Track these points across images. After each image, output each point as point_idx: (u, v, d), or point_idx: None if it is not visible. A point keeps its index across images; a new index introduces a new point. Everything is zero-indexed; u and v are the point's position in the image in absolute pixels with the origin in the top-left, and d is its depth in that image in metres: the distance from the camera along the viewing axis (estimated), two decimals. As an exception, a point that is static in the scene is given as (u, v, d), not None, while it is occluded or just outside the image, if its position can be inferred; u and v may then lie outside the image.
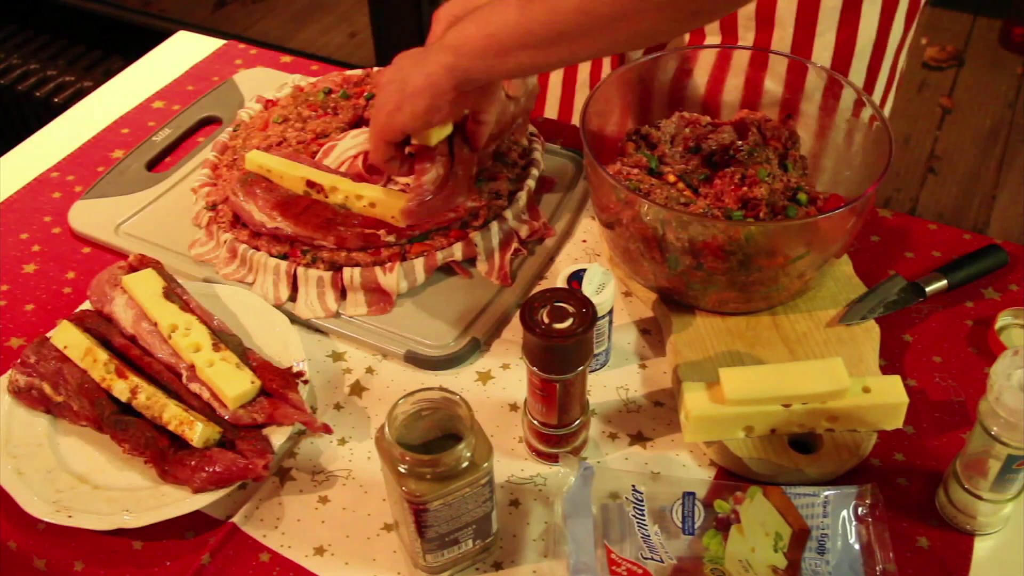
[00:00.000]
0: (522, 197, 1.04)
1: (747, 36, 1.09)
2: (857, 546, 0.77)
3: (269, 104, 1.20)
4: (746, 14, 1.08)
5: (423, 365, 0.94)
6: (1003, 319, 0.93)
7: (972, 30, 3.08)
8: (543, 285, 1.02)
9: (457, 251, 0.99)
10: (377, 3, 2.50)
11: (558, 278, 0.89)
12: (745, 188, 0.94)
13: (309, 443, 0.88)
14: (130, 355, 0.90)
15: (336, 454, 0.87)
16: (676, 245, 0.87)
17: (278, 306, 0.97)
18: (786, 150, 1.00)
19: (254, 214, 1.00)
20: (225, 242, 1.02)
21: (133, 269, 0.96)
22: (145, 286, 0.93)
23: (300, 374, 0.90)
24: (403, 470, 0.70)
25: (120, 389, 0.86)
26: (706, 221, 0.88)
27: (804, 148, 1.03)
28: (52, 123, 1.28)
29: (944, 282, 0.96)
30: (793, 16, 1.06)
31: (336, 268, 0.98)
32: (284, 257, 0.99)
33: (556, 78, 1.26)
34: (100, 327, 0.92)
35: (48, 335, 0.91)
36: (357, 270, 0.97)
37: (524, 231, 1.03)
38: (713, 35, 1.11)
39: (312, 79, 1.23)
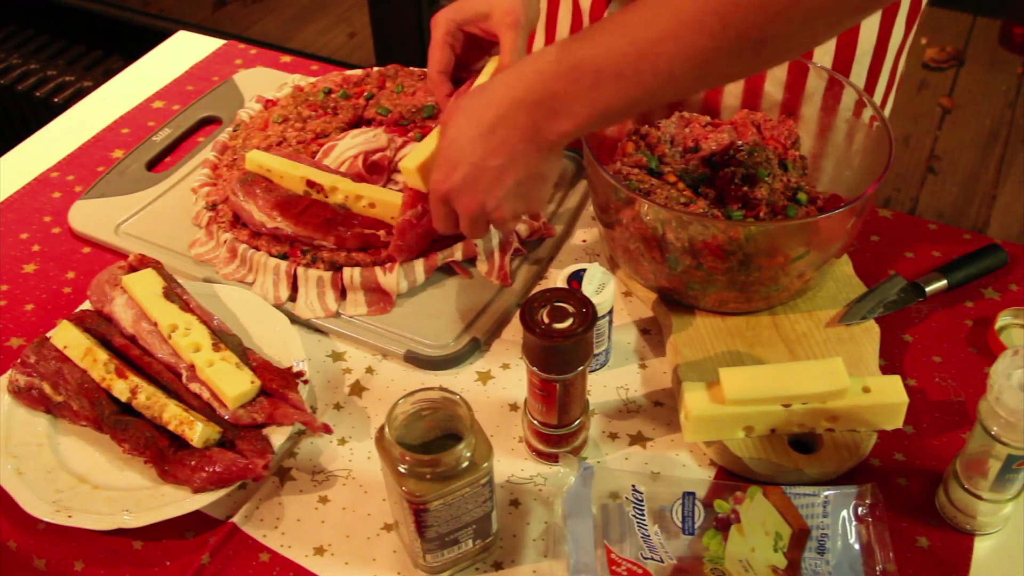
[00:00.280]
0: (522, 197, 1.04)
1: None
2: (857, 546, 0.77)
3: (269, 104, 1.20)
4: None
5: (423, 365, 0.94)
6: (1003, 319, 0.93)
7: (972, 30, 3.08)
8: (543, 285, 1.02)
9: (457, 251, 0.99)
10: (377, 3, 2.50)
11: (558, 278, 0.89)
12: (745, 188, 0.94)
13: (309, 443, 0.88)
14: (130, 355, 0.90)
15: (336, 454, 0.87)
16: (676, 245, 0.88)
17: (278, 306, 0.97)
18: (786, 150, 1.00)
19: (254, 214, 1.00)
20: (225, 242, 1.02)
21: (133, 269, 0.96)
22: (145, 286, 0.93)
23: (300, 374, 0.90)
24: (403, 470, 0.70)
25: (120, 389, 0.86)
26: (706, 221, 0.88)
27: (804, 148, 1.03)
28: (52, 123, 1.28)
29: (944, 282, 0.96)
30: None
31: (336, 268, 0.98)
32: (284, 257, 0.99)
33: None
34: (100, 327, 0.92)
35: (48, 335, 0.91)
36: (357, 270, 0.97)
37: (524, 231, 1.03)
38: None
39: (312, 79, 1.23)
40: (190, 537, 0.81)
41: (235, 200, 1.01)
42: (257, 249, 1.00)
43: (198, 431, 0.82)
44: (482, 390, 0.92)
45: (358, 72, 1.22)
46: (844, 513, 0.78)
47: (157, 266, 0.96)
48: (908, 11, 1.08)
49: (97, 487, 0.83)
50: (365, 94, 1.16)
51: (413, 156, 0.91)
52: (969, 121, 2.77)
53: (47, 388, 0.88)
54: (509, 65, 0.94)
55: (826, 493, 0.78)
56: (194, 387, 0.87)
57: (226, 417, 0.85)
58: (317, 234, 0.98)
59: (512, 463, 0.86)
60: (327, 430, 0.86)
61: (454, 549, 0.76)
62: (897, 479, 0.83)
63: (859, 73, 1.10)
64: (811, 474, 0.81)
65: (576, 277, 0.88)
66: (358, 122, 1.14)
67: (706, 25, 0.70)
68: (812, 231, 0.88)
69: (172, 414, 0.83)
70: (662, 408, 0.90)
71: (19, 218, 1.13)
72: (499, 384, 0.92)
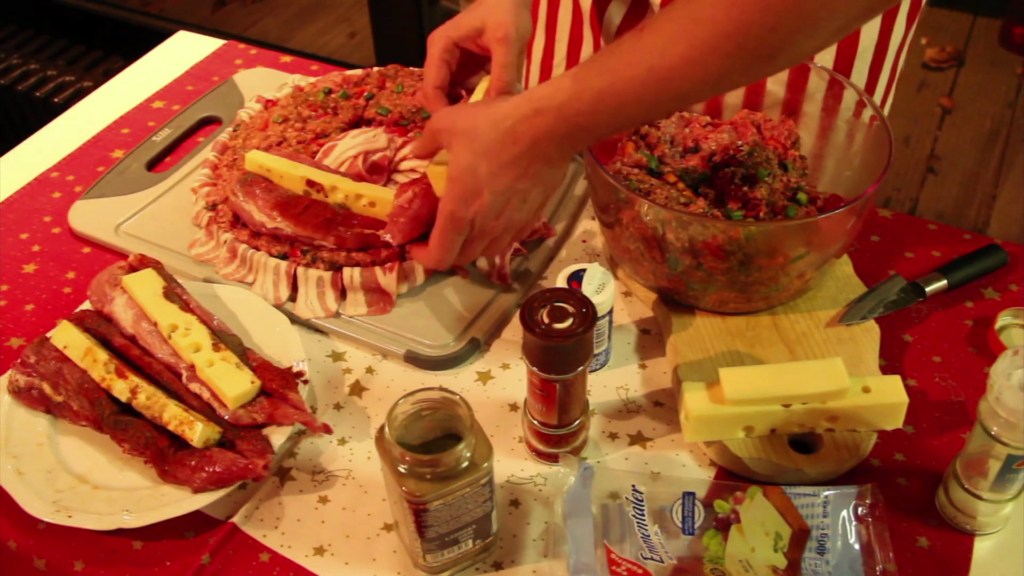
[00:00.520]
0: (522, 197, 1.04)
1: None
2: (857, 546, 0.77)
3: (269, 104, 1.20)
4: None
5: (423, 365, 0.94)
6: (1003, 319, 0.93)
7: (972, 30, 3.08)
8: (543, 285, 1.02)
9: (457, 251, 0.99)
10: (377, 3, 2.50)
11: (558, 278, 0.89)
12: (745, 188, 0.94)
13: (309, 443, 0.88)
14: (130, 355, 0.90)
15: (336, 454, 0.87)
16: (676, 245, 0.88)
17: (278, 306, 0.97)
18: (786, 150, 1.00)
19: (254, 214, 1.00)
20: (225, 242, 1.02)
21: (133, 269, 0.96)
22: (145, 286, 0.93)
23: (300, 374, 0.90)
24: (403, 470, 0.70)
25: (120, 389, 0.86)
26: (706, 221, 0.88)
27: (805, 148, 1.03)
28: (52, 123, 1.28)
29: (944, 282, 0.96)
30: None
31: (336, 268, 0.98)
32: (284, 257, 0.99)
33: (556, 78, 1.26)
34: (100, 327, 0.92)
35: (48, 335, 0.91)
36: (357, 270, 0.97)
37: (524, 231, 1.03)
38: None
39: (312, 79, 1.23)
40: (190, 537, 0.81)
41: (235, 200, 1.01)
42: (257, 249, 1.00)
43: (198, 431, 0.82)
44: (482, 390, 0.92)
45: (358, 72, 1.22)
46: (844, 513, 0.78)
47: (157, 266, 0.96)
48: (908, 9, 1.08)
49: (97, 487, 0.83)
50: (365, 94, 1.16)
51: (435, 163, 0.92)
52: (969, 121, 2.77)
53: (47, 388, 0.88)
54: (500, 79, 0.97)
55: (826, 493, 0.78)
56: (194, 387, 0.87)
57: (226, 417, 0.85)
58: (317, 234, 0.98)
59: (512, 463, 0.86)
60: (327, 430, 0.86)
61: (454, 549, 0.76)
62: (897, 479, 0.83)
63: (860, 70, 1.10)
64: (811, 474, 0.81)
65: (576, 277, 0.88)
66: (358, 122, 1.14)
67: (721, 47, 0.71)
68: (812, 231, 0.88)
69: (172, 414, 0.83)
70: (662, 408, 0.90)
71: (19, 218, 1.13)
72: (499, 384, 0.92)
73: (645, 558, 0.76)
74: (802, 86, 1.02)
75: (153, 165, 1.18)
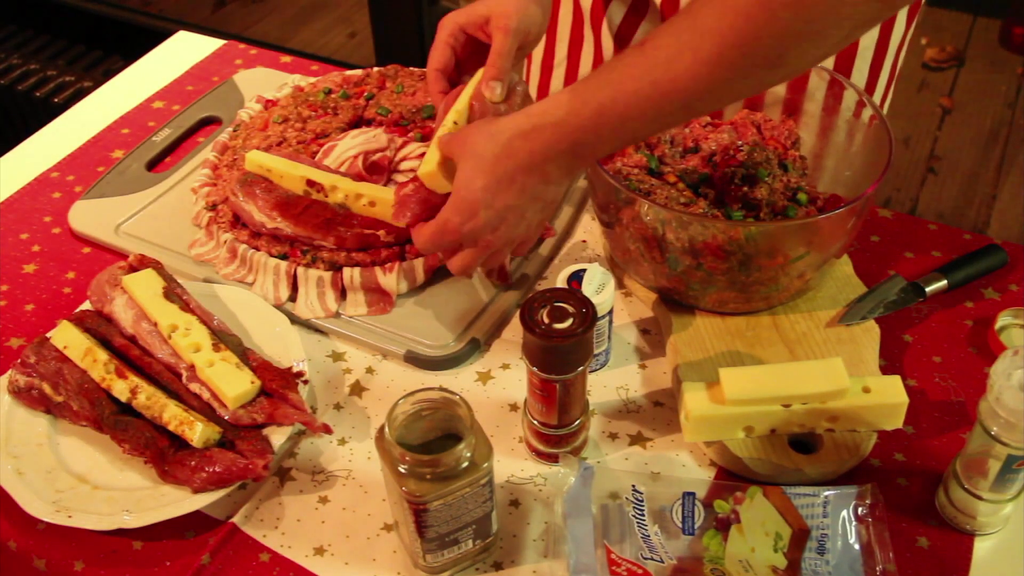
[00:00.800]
0: (522, 197, 1.04)
1: None
2: (857, 546, 0.77)
3: (269, 104, 1.20)
4: None
5: (423, 365, 0.94)
6: (1003, 319, 0.93)
7: (972, 30, 3.08)
8: (543, 285, 1.02)
9: (457, 251, 0.99)
10: (377, 3, 2.50)
11: (558, 278, 0.89)
12: (745, 188, 0.94)
13: (309, 443, 0.88)
14: (130, 355, 0.90)
15: (336, 454, 0.87)
16: (676, 245, 0.88)
17: (278, 306, 0.97)
18: (786, 150, 1.00)
19: (254, 214, 1.00)
20: (225, 242, 1.02)
21: (133, 269, 0.96)
22: (145, 286, 0.93)
23: (300, 374, 0.90)
24: (403, 470, 0.70)
25: (120, 389, 0.86)
26: (706, 221, 0.88)
27: (805, 148, 1.03)
28: (52, 123, 1.28)
29: (944, 282, 0.96)
30: None
31: (336, 268, 0.98)
32: (284, 257, 0.99)
33: (557, 80, 1.26)
34: (100, 327, 0.92)
35: (48, 335, 0.91)
36: (357, 270, 0.97)
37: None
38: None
39: (312, 79, 1.23)
40: (190, 537, 0.81)
41: (235, 200, 1.01)
42: (257, 249, 1.00)
43: (198, 431, 0.82)
44: (482, 390, 0.92)
45: (358, 72, 1.22)
46: (844, 513, 0.78)
47: (157, 266, 0.96)
48: (908, 8, 1.08)
49: (97, 487, 0.83)
50: (365, 94, 1.16)
51: (426, 161, 0.91)
52: (969, 121, 2.77)
53: (47, 388, 0.88)
54: (494, 66, 0.94)
55: (826, 493, 0.78)
56: (194, 387, 0.87)
57: (226, 417, 0.85)
58: (317, 234, 0.98)
59: (512, 463, 0.86)
60: (327, 430, 0.86)
61: (454, 549, 0.76)
62: (897, 479, 0.83)
63: (861, 68, 1.10)
64: (811, 474, 0.81)
65: (576, 277, 0.88)
66: (358, 122, 1.14)
67: (727, 58, 0.71)
68: (812, 231, 0.88)
69: (172, 414, 0.83)
70: (662, 408, 0.90)
71: (19, 218, 1.13)
72: (499, 384, 0.92)
73: (645, 558, 0.76)
74: (802, 86, 1.02)
75: (153, 165, 1.18)
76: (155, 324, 0.91)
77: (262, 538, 0.81)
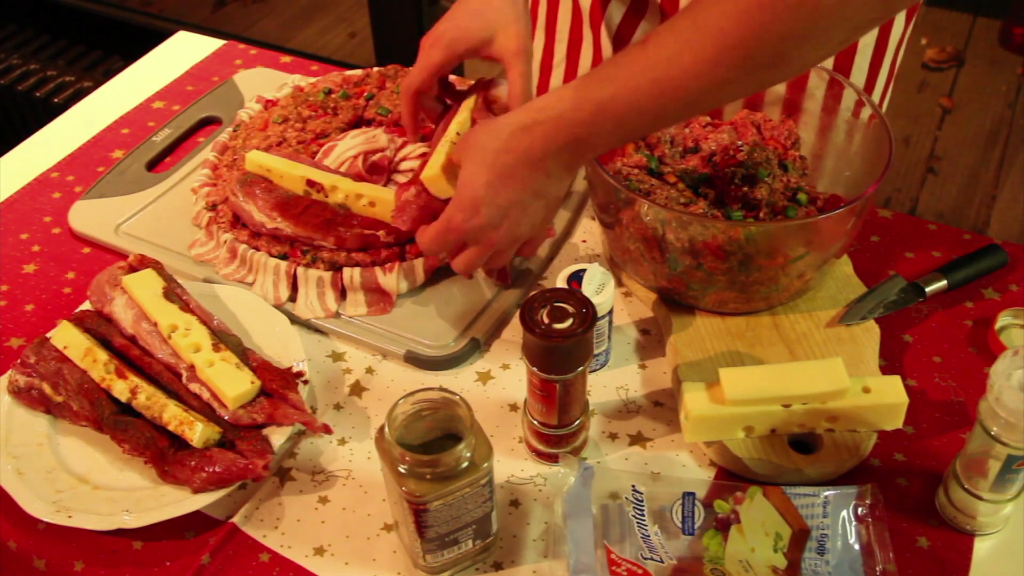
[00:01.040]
0: (522, 197, 1.04)
1: None
2: (857, 546, 0.77)
3: (269, 104, 1.20)
4: None
5: (423, 365, 0.94)
6: (1003, 319, 0.93)
7: (972, 30, 3.08)
8: (543, 285, 1.02)
9: (457, 251, 0.99)
10: (377, 3, 2.50)
11: (558, 278, 0.89)
12: (745, 188, 0.94)
13: (309, 443, 0.88)
14: (130, 355, 0.90)
15: (336, 454, 0.87)
16: (676, 245, 0.88)
17: (278, 306, 0.97)
18: (786, 150, 1.00)
19: (254, 214, 1.00)
20: (225, 242, 1.02)
21: (133, 269, 0.96)
22: (145, 286, 0.93)
23: (300, 374, 0.90)
24: (403, 470, 0.70)
25: (120, 389, 0.86)
26: (706, 221, 0.88)
27: (805, 148, 1.03)
28: (52, 123, 1.28)
29: (944, 282, 0.96)
30: None
31: (336, 268, 0.98)
32: (284, 257, 0.99)
33: (556, 80, 1.26)
34: (100, 327, 0.92)
35: (48, 335, 0.91)
36: (357, 270, 0.97)
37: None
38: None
39: (312, 79, 1.23)
40: (190, 537, 0.81)
41: (235, 200, 1.01)
42: (257, 249, 1.00)
43: (198, 431, 0.82)
44: (482, 390, 0.92)
45: (358, 72, 1.22)
46: (844, 513, 0.78)
47: (157, 266, 0.96)
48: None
49: (97, 487, 0.83)
50: (365, 94, 1.16)
51: (430, 166, 0.91)
52: (969, 121, 2.77)
53: (47, 388, 0.88)
54: (522, 90, 0.95)
55: (826, 493, 0.78)
56: (194, 387, 0.87)
57: (226, 417, 0.85)
58: (317, 234, 0.98)
59: (512, 463, 0.86)
60: (327, 430, 0.86)
61: (454, 549, 0.76)
62: (897, 479, 0.83)
63: (861, 66, 1.10)
64: (811, 474, 0.81)
65: (576, 277, 0.88)
66: (358, 122, 1.14)
67: (727, 58, 0.71)
68: (812, 231, 0.88)
69: (172, 414, 0.83)
70: (662, 408, 0.90)
71: (19, 218, 1.13)
72: (499, 384, 0.92)
73: (645, 558, 0.76)
74: (802, 86, 1.02)
75: (153, 165, 1.18)
76: (155, 324, 0.91)
77: (262, 538, 0.81)
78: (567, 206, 1.08)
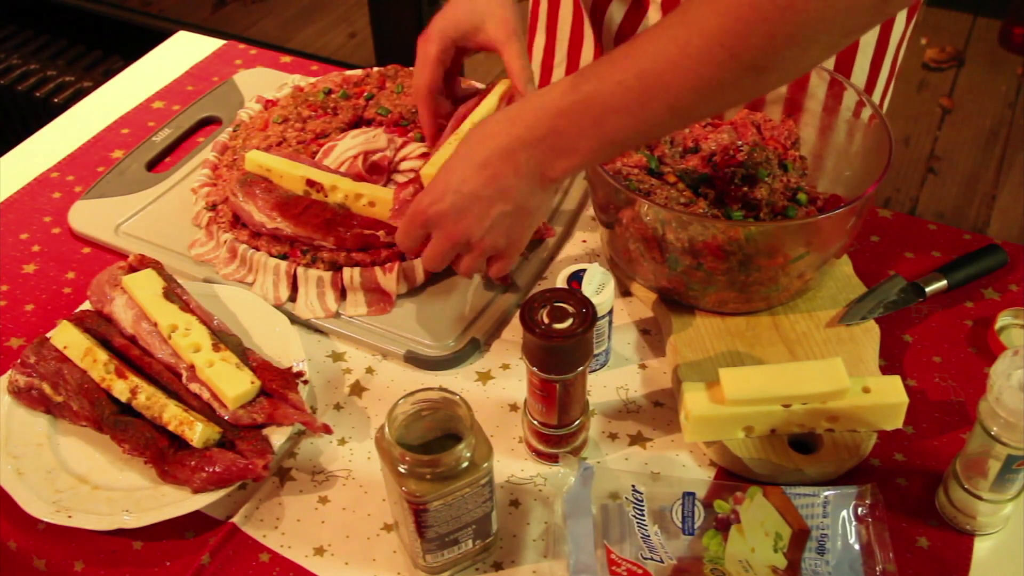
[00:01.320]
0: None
1: None
2: (857, 546, 0.77)
3: (269, 104, 1.20)
4: None
5: (423, 365, 0.94)
6: (1003, 319, 0.93)
7: (972, 30, 3.08)
8: (543, 285, 1.02)
9: (457, 251, 0.99)
10: (377, 3, 2.50)
11: (558, 278, 0.89)
12: (745, 188, 0.94)
13: (309, 443, 0.88)
14: (130, 355, 0.90)
15: (336, 454, 0.87)
16: (676, 245, 0.88)
17: (278, 306, 0.97)
18: (786, 150, 1.00)
19: (254, 214, 1.00)
20: (225, 242, 1.02)
21: (133, 269, 0.96)
22: (145, 286, 0.93)
23: (300, 374, 0.90)
24: (403, 470, 0.70)
25: (120, 389, 0.86)
26: (706, 221, 0.88)
27: (806, 148, 1.03)
28: (52, 123, 1.28)
29: (944, 282, 0.96)
30: None
31: (336, 268, 0.98)
32: (284, 257, 0.99)
33: (557, 79, 1.26)
34: (100, 327, 0.92)
35: (48, 335, 0.91)
36: (357, 270, 0.97)
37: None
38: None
39: (312, 79, 1.23)
40: (190, 537, 0.81)
41: (235, 200, 1.01)
42: (257, 249, 1.00)
43: (198, 431, 0.82)
44: (482, 390, 0.92)
45: (358, 72, 1.22)
46: (844, 513, 0.78)
47: (157, 266, 0.96)
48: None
49: (97, 487, 0.83)
50: (365, 94, 1.16)
51: (431, 163, 0.92)
52: (969, 121, 2.78)
53: (47, 388, 0.88)
54: (524, 70, 0.95)
55: (826, 493, 0.78)
56: (194, 387, 0.87)
57: (226, 417, 0.85)
58: (317, 234, 0.98)
59: (512, 463, 0.86)
60: (327, 430, 0.86)
61: (454, 549, 0.76)
62: (897, 479, 0.83)
63: (862, 65, 1.10)
64: (811, 474, 0.81)
65: (576, 277, 0.88)
66: (358, 122, 1.14)
67: (714, 56, 0.70)
68: (812, 231, 0.88)
69: (172, 414, 0.83)
70: (662, 408, 0.90)
71: (19, 218, 1.13)
72: (499, 384, 0.92)
73: (645, 558, 0.76)
74: (803, 86, 1.02)
75: (153, 165, 1.18)
76: (155, 324, 0.91)
77: (262, 538, 0.81)
78: (567, 206, 1.08)
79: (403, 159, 1.07)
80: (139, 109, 1.29)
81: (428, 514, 0.71)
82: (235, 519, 0.82)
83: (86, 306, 0.96)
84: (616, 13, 1.12)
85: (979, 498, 0.77)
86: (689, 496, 0.79)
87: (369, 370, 0.94)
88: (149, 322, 0.91)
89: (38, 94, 2.31)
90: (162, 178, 1.14)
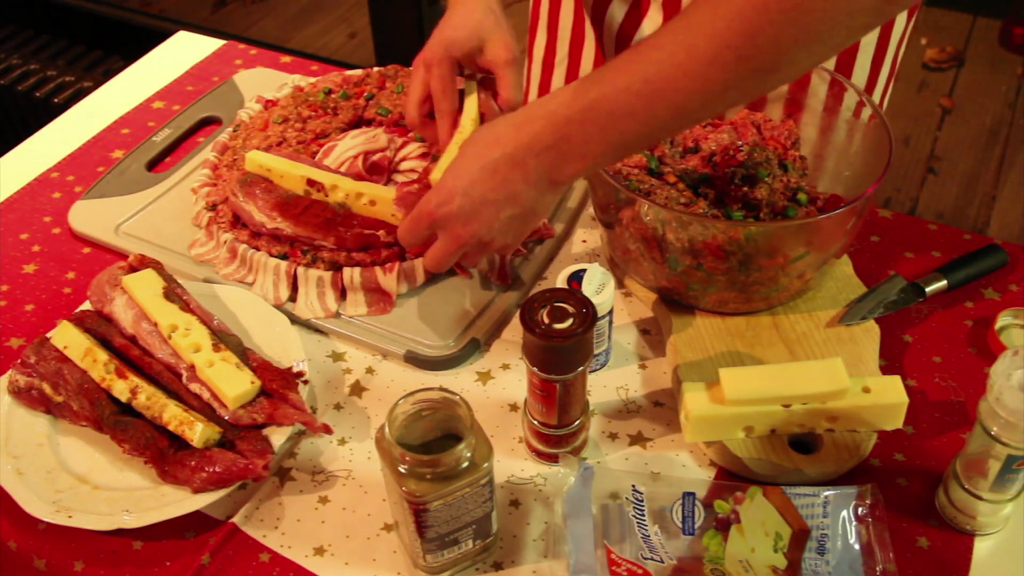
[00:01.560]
0: (522, 197, 1.04)
1: None
2: (857, 546, 0.77)
3: (269, 104, 1.20)
4: None
5: (423, 365, 0.94)
6: (1003, 319, 0.93)
7: (972, 30, 3.08)
8: (543, 285, 1.02)
9: (457, 251, 0.99)
10: (377, 3, 2.51)
11: (558, 278, 0.89)
12: (745, 188, 0.94)
13: (309, 443, 0.88)
14: (130, 355, 0.90)
15: (336, 454, 0.87)
16: (676, 245, 0.87)
17: (278, 306, 0.97)
18: (786, 150, 1.00)
19: (254, 214, 1.00)
20: (225, 242, 1.02)
21: (133, 269, 0.96)
22: (145, 286, 0.93)
23: (300, 374, 0.90)
24: (403, 470, 0.70)
25: (120, 389, 0.86)
26: (706, 221, 0.88)
27: (806, 147, 1.03)
28: (52, 123, 1.28)
29: (944, 282, 0.96)
30: None
31: (336, 268, 0.98)
32: (284, 257, 0.99)
33: (558, 79, 1.26)
34: (100, 327, 0.92)
35: (48, 335, 0.91)
36: (357, 270, 0.97)
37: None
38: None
39: (312, 79, 1.23)
40: (190, 537, 0.81)
41: (235, 201, 1.01)
42: (257, 249, 1.00)
43: (198, 431, 0.82)
44: (482, 390, 0.92)
45: (358, 72, 1.22)
46: (844, 513, 0.78)
47: (157, 266, 0.96)
48: None
49: (97, 487, 0.83)
50: (365, 94, 1.16)
51: (439, 167, 0.92)
52: (969, 121, 2.77)
53: (47, 388, 0.88)
54: (512, 98, 0.96)
55: (826, 493, 0.78)
56: (194, 387, 0.87)
57: (226, 417, 0.85)
58: (317, 234, 0.98)
59: (512, 463, 0.86)
60: (327, 430, 0.86)
61: (454, 549, 0.76)
62: (897, 479, 0.83)
63: (863, 64, 1.10)
64: (811, 474, 0.81)
65: (576, 277, 0.88)
66: (358, 122, 1.14)
67: (720, 59, 0.70)
68: (812, 231, 0.88)
69: (172, 414, 0.83)
70: (662, 408, 0.90)
71: (19, 218, 1.13)
72: (499, 384, 0.92)
73: (645, 558, 0.76)
74: (803, 85, 1.02)
75: (153, 165, 1.18)
76: (155, 324, 0.91)
77: (262, 538, 0.81)
78: (567, 206, 1.08)
79: (403, 159, 1.07)
80: (139, 109, 1.29)
81: (428, 514, 0.71)
82: (235, 519, 0.82)
83: (86, 306, 0.96)
84: (617, 12, 1.12)
85: (979, 498, 0.77)
86: (689, 496, 0.79)
87: (369, 370, 0.94)
88: (149, 322, 0.91)
89: (38, 94, 2.31)
90: (162, 178, 1.14)
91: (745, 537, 0.76)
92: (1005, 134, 2.72)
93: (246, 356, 0.90)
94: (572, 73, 1.25)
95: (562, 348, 0.76)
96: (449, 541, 0.74)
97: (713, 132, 1.02)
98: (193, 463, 0.81)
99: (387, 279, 0.96)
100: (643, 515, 0.78)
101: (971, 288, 0.98)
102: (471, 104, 1.00)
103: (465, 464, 0.70)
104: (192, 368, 0.88)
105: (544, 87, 1.28)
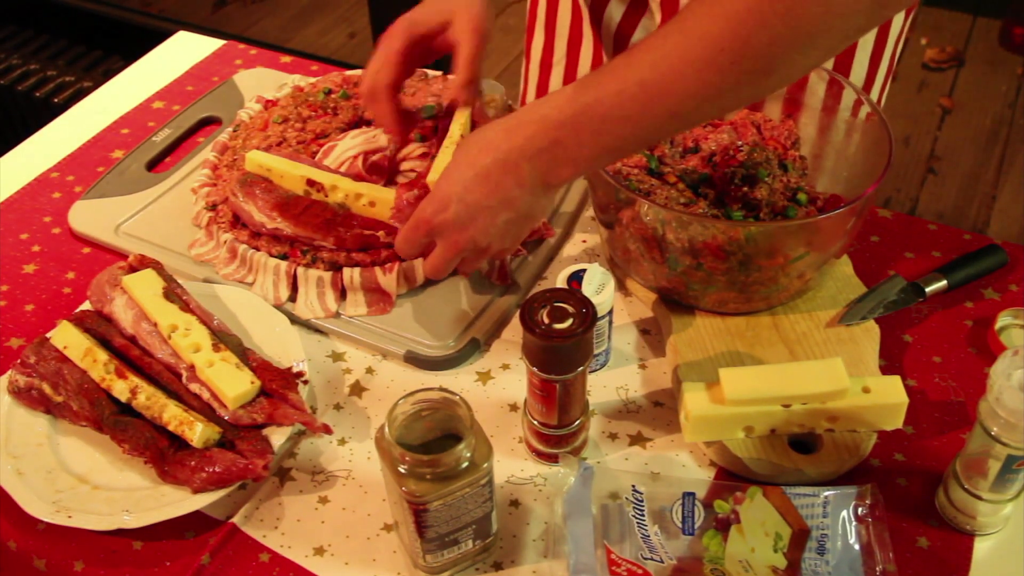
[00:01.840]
0: (522, 197, 1.03)
1: None
2: (857, 546, 0.77)
3: (269, 104, 1.20)
4: None
5: (423, 365, 0.94)
6: (1003, 319, 0.93)
7: (972, 30, 3.08)
8: (543, 285, 1.02)
9: (457, 251, 0.99)
10: (377, 3, 2.50)
11: (558, 278, 0.89)
12: (745, 188, 0.94)
13: (309, 443, 0.88)
14: (130, 355, 0.90)
15: (336, 454, 0.87)
16: (676, 245, 0.88)
17: (278, 306, 0.97)
18: (786, 150, 1.00)
19: (254, 214, 1.00)
20: (225, 242, 1.02)
21: (133, 269, 0.96)
22: (145, 286, 0.93)
23: (300, 374, 0.90)
24: (403, 470, 0.70)
25: (120, 389, 0.86)
26: (706, 221, 0.88)
27: (805, 148, 1.03)
28: (52, 123, 1.28)
29: (944, 282, 0.96)
30: None
31: (336, 268, 0.98)
32: (284, 257, 0.99)
33: (556, 79, 1.26)
34: (100, 327, 0.92)
35: (48, 335, 0.91)
36: (357, 270, 0.97)
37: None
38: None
39: (312, 79, 1.23)
40: (190, 537, 0.81)
41: (235, 201, 1.01)
42: (257, 249, 1.00)
43: (198, 431, 0.82)
44: (482, 390, 0.92)
45: (358, 72, 1.22)
46: (844, 513, 0.78)
47: (157, 266, 0.96)
48: None
49: (97, 487, 0.83)
50: (365, 94, 1.16)
51: (435, 169, 0.92)
52: (969, 121, 2.77)
53: (47, 388, 0.88)
54: (470, 72, 0.94)
55: (826, 493, 0.78)
56: (194, 387, 0.87)
57: (226, 417, 0.85)
58: (317, 234, 0.98)
59: (512, 463, 0.86)
60: (327, 430, 0.86)
61: (454, 549, 0.76)
62: (897, 479, 0.83)
63: (861, 61, 1.10)
64: (811, 474, 0.81)
65: (576, 277, 0.88)
66: (358, 122, 1.14)
67: (716, 62, 0.70)
68: (812, 231, 0.88)
69: (172, 414, 0.83)
70: (662, 408, 0.90)
71: (19, 218, 1.13)
72: (499, 384, 0.92)
73: (645, 558, 0.76)
74: (802, 85, 1.02)
75: (153, 165, 1.18)
76: (155, 324, 0.91)
77: (262, 538, 0.81)
78: (567, 206, 1.08)
79: (404, 159, 1.07)
80: (139, 109, 1.29)
81: (428, 514, 0.71)
82: (235, 519, 0.82)
83: (86, 306, 0.96)
84: (615, 12, 1.12)
85: (979, 498, 0.77)
86: (689, 496, 0.79)
87: (369, 370, 0.94)
88: (149, 322, 0.91)
89: (38, 94, 2.31)
90: (162, 178, 1.14)
91: (745, 537, 0.76)
92: (1005, 134, 2.72)
93: (246, 356, 0.90)
94: (570, 73, 1.25)
95: (562, 348, 0.76)
96: (449, 541, 0.74)
97: (713, 132, 1.02)
98: (193, 463, 0.81)
99: (387, 279, 0.96)
100: (643, 515, 0.78)
101: (971, 288, 0.98)
102: (463, 112, 0.99)
103: (465, 464, 0.70)
104: (192, 368, 0.88)
105: (542, 88, 1.28)
